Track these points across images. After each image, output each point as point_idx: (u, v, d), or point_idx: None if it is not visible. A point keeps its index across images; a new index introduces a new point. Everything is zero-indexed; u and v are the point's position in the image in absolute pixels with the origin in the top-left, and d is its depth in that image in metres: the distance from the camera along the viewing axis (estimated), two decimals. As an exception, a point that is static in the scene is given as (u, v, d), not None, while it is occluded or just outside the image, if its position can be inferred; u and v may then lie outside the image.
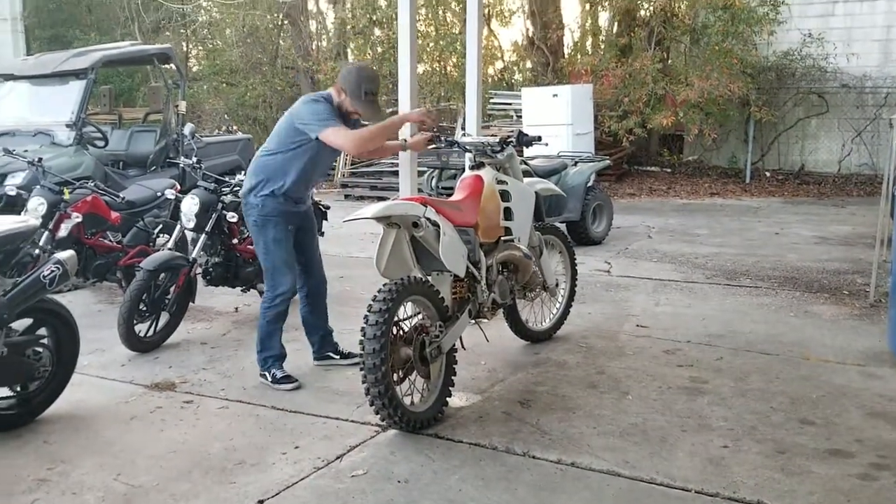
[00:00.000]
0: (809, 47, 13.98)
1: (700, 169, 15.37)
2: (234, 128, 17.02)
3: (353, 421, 3.89)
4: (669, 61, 15.52)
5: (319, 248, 4.76)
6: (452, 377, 3.99)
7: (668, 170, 15.33)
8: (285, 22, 20.77)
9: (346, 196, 13.66)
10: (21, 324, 3.80)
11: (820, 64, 14.02)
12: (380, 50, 20.59)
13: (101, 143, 9.19)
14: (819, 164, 14.81)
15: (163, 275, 5.22)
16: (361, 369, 3.59)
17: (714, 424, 3.81)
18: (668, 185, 14.20)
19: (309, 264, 4.65)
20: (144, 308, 5.14)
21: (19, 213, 5.94)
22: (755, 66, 14.13)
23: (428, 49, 17.29)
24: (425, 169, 9.39)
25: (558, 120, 12.48)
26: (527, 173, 5.34)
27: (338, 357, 4.79)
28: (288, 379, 4.41)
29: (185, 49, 21.87)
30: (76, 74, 9.28)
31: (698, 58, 14.49)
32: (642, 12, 15.76)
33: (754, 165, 14.75)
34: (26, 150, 7.49)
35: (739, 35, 13.63)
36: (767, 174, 14.80)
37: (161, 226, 6.76)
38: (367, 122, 4.34)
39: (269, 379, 4.40)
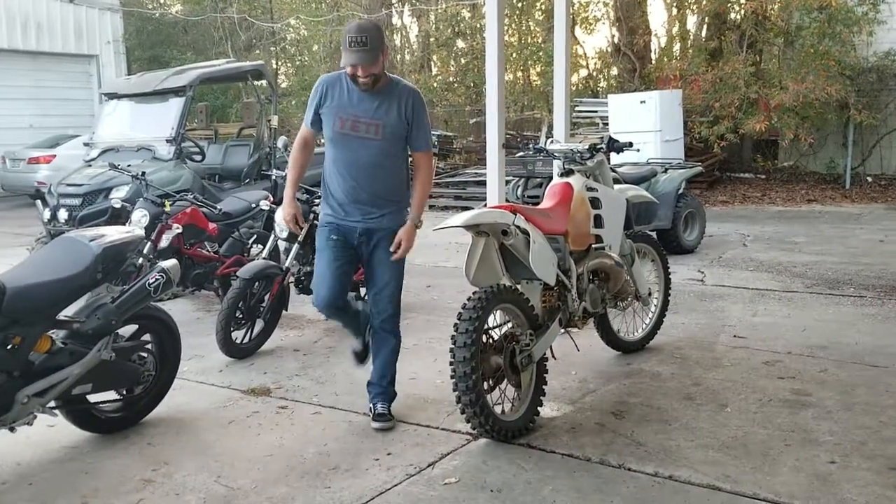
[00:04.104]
0: (914, 46, 13.34)
1: (796, 175, 14.83)
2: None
3: (443, 429, 3.89)
4: (762, 64, 15.06)
5: (392, 281, 3.92)
6: (543, 386, 3.95)
7: (763, 176, 14.86)
8: (371, 36, 21.13)
9: (431, 206, 13.75)
10: (127, 330, 3.96)
11: (926, 64, 13.36)
12: (463, 61, 20.74)
13: (198, 158, 9.56)
14: (926, 169, 14.09)
15: (258, 283, 5.36)
16: (452, 377, 3.59)
17: (820, 439, 3.64)
18: (762, 191, 13.75)
19: (372, 296, 3.98)
20: (241, 316, 5.29)
21: (124, 225, 6.21)
22: (854, 67, 13.57)
23: (511, 58, 17.29)
24: (511, 178, 9.37)
25: (646, 126, 12.27)
26: (615, 181, 5.25)
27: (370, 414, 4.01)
28: (355, 356, 4.40)
29: (274, 66, 22.55)
30: (175, 92, 9.70)
31: (793, 60, 14.04)
32: (733, 15, 15.36)
33: (854, 170, 14.14)
34: (130, 165, 7.84)
35: (836, 36, 13.13)
36: (869, 179, 14.17)
37: (255, 236, 6.96)
38: (363, 80, 3.65)
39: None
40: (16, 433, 3.44)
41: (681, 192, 8.50)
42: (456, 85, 20.95)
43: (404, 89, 3.84)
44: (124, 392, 3.95)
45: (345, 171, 3.82)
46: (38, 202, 9.24)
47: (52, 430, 3.84)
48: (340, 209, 3.85)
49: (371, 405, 4.01)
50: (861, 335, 5.29)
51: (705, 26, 16.62)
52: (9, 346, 3.26)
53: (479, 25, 19.81)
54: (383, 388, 4.02)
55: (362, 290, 5.23)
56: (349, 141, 3.79)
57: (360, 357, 4.37)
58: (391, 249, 3.82)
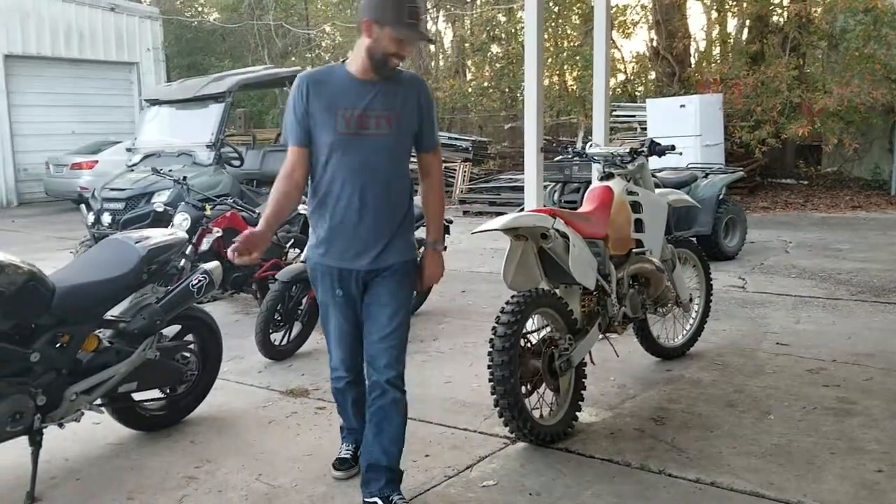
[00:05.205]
0: (962, 49, 13.03)
1: (840, 181, 14.58)
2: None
3: (481, 432, 3.88)
4: (805, 68, 14.84)
5: (403, 323, 3.05)
6: (582, 392, 3.92)
7: (805, 182, 14.62)
8: (406, 42, 21.24)
9: (465, 212, 13.76)
10: (170, 330, 4.02)
11: (975, 66, 13.05)
12: (498, 66, 20.74)
13: (237, 163, 9.69)
14: (975, 174, 13.74)
15: (295, 286, 5.41)
16: (490, 380, 3.58)
17: (866, 447, 3.56)
18: (804, 197, 13.53)
19: (375, 344, 3.02)
20: (279, 318, 5.34)
21: (166, 228, 6.31)
22: (900, 71, 13.30)
23: (547, 63, 17.25)
24: (548, 183, 9.33)
25: (686, 131, 12.16)
26: (656, 185, 5.20)
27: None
28: (339, 464, 3.41)
29: (312, 72, 22.71)
30: (215, 98, 9.85)
31: (837, 64, 13.82)
32: (775, 18, 15.17)
33: (901, 176, 13.84)
34: (171, 170, 7.97)
35: (882, 39, 12.88)
36: (916, 185, 13.86)
37: (293, 240, 7.01)
38: (396, 62, 2.95)
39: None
40: (64, 430, 3.50)
41: (721, 197, 8.40)
42: (491, 90, 20.96)
43: (412, 77, 3.15)
44: (168, 391, 4.01)
45: (352, 183, 2.95)
46: (83, 206, 9.43)
47: (98, 428, 3.92)
48: (339, 244, 3.01)
49: (378, 500, 3.00)
50: (908, 343, 5.18)
51: (746, 29, 16.43)
52: (57, 345, 3.33)
53: (514, 30, 19.80)
54: (394, 471, 3.06)
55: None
56: (357, 143, 2.94)
57: (347, 465, 3.40)
58: (421, 285, 3.17)
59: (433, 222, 3.18)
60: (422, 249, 3.20)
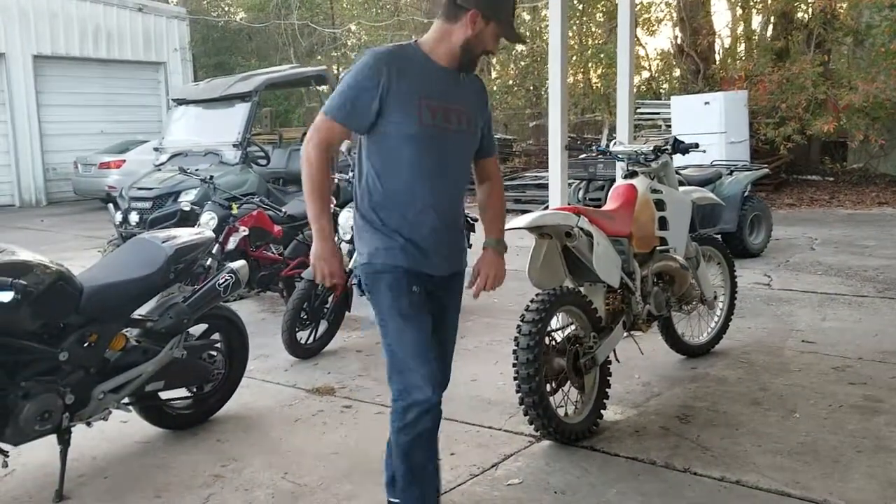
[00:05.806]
0: None
1: (866, 177, 14.39)
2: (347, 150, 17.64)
3: (506, 430, 3.89)
4: (831, 64, 14.67)
5: (455, 338, 2.97)
6: (606, 390, 3.92)
7: (831, 178, 14.45)
8: (430, 41, 21.25)
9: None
10: (197, 329, 4.06)
11: None
12: (523, 64, 20.71)
13: (263, 162, 9.76)
14: None
15: (321, 285, 5.44)
16: (515, 378, 3.59)
17: (893, 446, 3.53)
18: (830, 194, 13.37)
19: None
20: (305, 317, 5.38)
21: (193, 227, 6.39)
22: (928, 66, 13.09)
23: (572, 61, 17.20)
24: (572, 181, 9.32)
25: (711, 128, 12.08)
26: (680, 183, 5.18)
27: None
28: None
29: (336, 71, 22.84)
30: (242, 97, 9.93)
31: (863, 60, 13.67)
32: (800, 14, 15.01)
33: (929, 172, 13.65)
34: (198, 169, 8.05)
35: (909, 34, 12.70)
36: (944, 182, 13.66)
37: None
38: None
39: None
40: (92, 428, 3.55)
41: (746, 194, 8.34)
42: (515, 88, 20.93)
43: (476, 76, 2.87)
44: (194, 389, 4.05)
45: (431, 180, 2.66)
46: (110, 205, 9.55)
47: (125, 426, 3.96)
48: (415, 246, 2.68)
49: None
50: (938, 342, 5.11)
51: (771, 26, 16.27)
52: (86, 344, 3.37)
53: (538, 28, 19.77)
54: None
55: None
56: (440, 138, 2.65)
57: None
58: (478, 284, 2.86)
59: (500, 222, 2.92)
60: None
